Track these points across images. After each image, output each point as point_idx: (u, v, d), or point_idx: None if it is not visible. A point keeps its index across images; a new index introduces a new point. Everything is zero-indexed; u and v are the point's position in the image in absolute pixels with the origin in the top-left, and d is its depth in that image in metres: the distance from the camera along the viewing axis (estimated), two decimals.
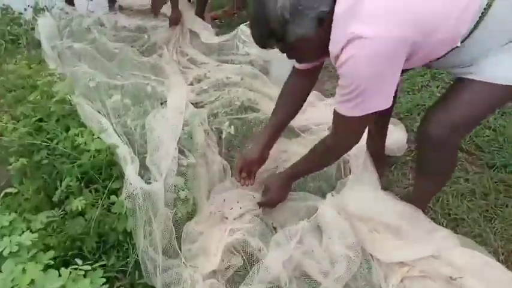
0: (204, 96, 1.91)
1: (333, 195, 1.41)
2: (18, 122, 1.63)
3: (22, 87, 1.74)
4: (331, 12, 1.01)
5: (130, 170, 1.31)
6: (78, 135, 1.46)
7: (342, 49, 1.01)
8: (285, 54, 1.13)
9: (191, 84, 2.02)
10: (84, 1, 3.40)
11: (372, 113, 1.09)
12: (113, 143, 1.44)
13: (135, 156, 1.45)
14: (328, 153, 1.30)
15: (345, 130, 1.19)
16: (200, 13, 2.82)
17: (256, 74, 2.08)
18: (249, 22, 1.13)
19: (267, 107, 1.88)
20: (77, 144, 1.44)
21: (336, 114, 1.15)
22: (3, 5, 3.15)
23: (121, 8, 3.53)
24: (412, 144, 1.82)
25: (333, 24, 1.02)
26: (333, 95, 2.35)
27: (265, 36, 1.05)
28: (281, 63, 2.24)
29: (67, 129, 1.63)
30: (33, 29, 2.83)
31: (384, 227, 1.30)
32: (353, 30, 0.97)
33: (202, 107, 1.88)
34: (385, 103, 1.07)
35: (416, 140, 1.25)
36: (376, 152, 1.59)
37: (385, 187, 1.56)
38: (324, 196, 1.45)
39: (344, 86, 1.06)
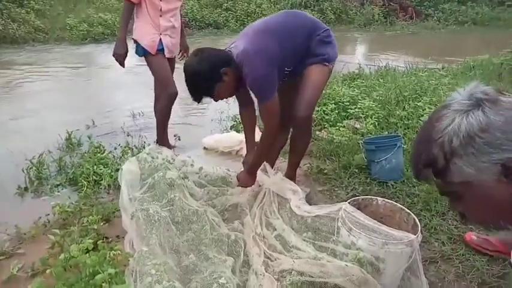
0: None
1: None
2: None
3: (81, 278, 1.42)
4: None
5: None
6: None
7: None
8: None
9: None
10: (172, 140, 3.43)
11: None
12: None
13: None
14: None
15: None
16: (291, 174, 2.51)
17: (367, 279, 1.56)
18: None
19: None
20: None
21: None
22: (97, 142, 3.21)
23: (205, 149, 3.46)
24: None
25: None
26: None
27: (421, 163, 0.79)
28: (398, 263, 1.72)
29: None
30: (117, 170, 2.74)
31: None
32: None
33: None
34: None
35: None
36: None
37: None
38: None
39: None
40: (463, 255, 1.96)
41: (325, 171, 2.90)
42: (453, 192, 0.79)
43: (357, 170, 2.85)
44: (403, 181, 2.65)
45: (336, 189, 2.69)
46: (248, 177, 2.37)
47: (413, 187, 2.57)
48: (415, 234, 1.71)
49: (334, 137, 3.32)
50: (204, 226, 1.97)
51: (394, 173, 2.67)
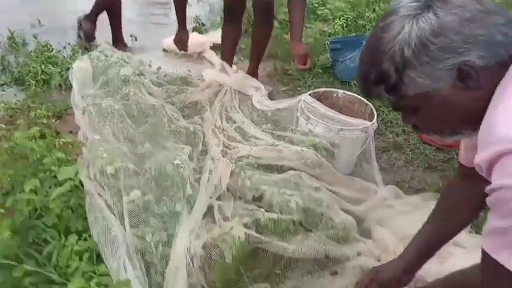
0: None
1: None
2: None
3: (25, 166, 1.37)
4: (489, 68, 0.65)
5: None
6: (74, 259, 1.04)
7: (500, 157, 0.62)
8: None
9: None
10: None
11: None
12: (124, 280, 0.99)
13: None
14: None
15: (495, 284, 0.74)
16: (253, 70, 2.43)
17: (321, 163, 1.61)
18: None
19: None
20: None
21: (484, 254, 0.72)
22: (44, 41, 2.93)
23: (165, 51, 3.26)
24: None
25: (494, 97, 0.66)
26: (412, 188, 1.84)
27: (371, 80, 0.72)
28: (352, 148, 1.77)
29: (67, 232, 1.23)
30: (68, 69, 2.56)
31: None
32: None
33: None
34: None
35: None
36: None
37: None
38: None
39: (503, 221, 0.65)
40: (414, 144, 2.05)
41: (289, 71, 2.84)
42: (407, 106, 0.75)
43: (321, 71, 2.81)
44: None
45: (299, 88, 2.66)
46: (302, 43, 2.13)
47: None
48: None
49: None
50: (161, 119, 1.92)
51: (355, 72, 2.65)
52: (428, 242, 1.09)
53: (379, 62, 0.69)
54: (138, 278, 1.07)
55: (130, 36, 3.23)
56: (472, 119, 0.71)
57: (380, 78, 0.70)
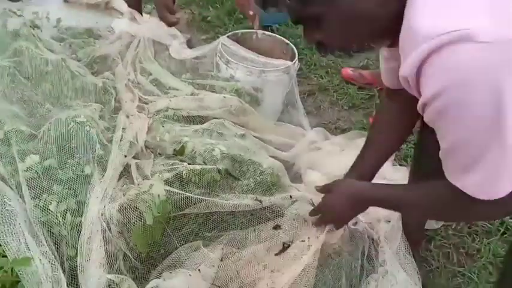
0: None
1: None
2: None
3: None
4: None
5: None
6: None
7: (425, 60, 0.55)
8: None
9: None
10: None
11: None
12: (22, 258, 0.86)
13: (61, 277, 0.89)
14: (451, 211, 0.83)
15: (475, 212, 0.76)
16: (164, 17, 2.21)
17: (245, 109, 1.53)
18: None
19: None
20: None
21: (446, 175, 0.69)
22: None
23: (66, 1, 2.85)
24: None
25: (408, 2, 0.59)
26: (338, 128, 1.86)
27: None
28: (276, 92, 1.72)
29: None
30: None
31: None
32: (461, 26, 0.53)
33: None
34: None
35: None
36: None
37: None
38: None
39: (444, 143, 0.62)
40: (337, 84, 2.07)
41: (209, 18, 2.66)
42: (310, 17, 0.66)
43: (242, 16, 2.67)
44: (287, 24, 2.58)
45: (220, 36, 2.51)
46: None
47: (296, 29, 2.52)
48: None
49: None
50: (63, 76, 1.67)
51: (278, 16, 2.56)
52: (371, 165, 1.06)
53: None
54: (45, 254, 0.93)
55: None
56: (381, 28, 0.64)
57: None
